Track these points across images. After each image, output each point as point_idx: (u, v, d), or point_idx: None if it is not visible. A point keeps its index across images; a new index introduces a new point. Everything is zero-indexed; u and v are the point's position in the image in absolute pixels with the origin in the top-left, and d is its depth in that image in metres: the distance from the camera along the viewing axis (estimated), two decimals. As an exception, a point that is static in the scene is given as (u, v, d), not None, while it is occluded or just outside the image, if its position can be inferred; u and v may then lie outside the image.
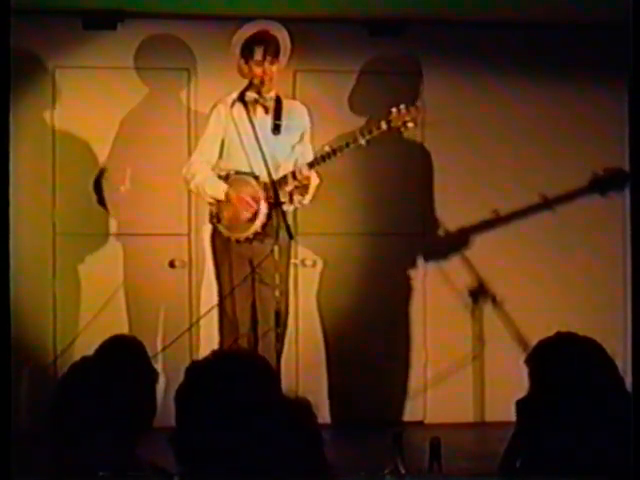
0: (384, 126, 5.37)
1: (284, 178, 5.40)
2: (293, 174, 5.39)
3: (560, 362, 2.74)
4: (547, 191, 6.55)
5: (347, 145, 5.37)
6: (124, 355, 2.88)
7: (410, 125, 5.41)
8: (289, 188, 5.41)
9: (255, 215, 5.39)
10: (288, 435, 2.08)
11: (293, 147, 5.57)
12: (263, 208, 5.37)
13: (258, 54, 5.41)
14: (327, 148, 5.41)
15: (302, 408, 2.14)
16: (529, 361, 2.81)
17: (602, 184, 6.53)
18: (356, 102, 6.45)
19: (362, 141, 5.36)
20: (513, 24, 6.47)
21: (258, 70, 5.42)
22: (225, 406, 2.12)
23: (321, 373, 6.40)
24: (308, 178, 5.39)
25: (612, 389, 2.71)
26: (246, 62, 5.46)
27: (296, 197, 5.46)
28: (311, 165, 5.41)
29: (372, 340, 6.36)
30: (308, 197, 5.50)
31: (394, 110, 5.38)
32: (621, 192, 6.45)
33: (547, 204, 6.53)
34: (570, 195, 6.55)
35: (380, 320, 6.41)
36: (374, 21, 6.40)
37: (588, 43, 6.54)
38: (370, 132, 5.37)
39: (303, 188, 5.42)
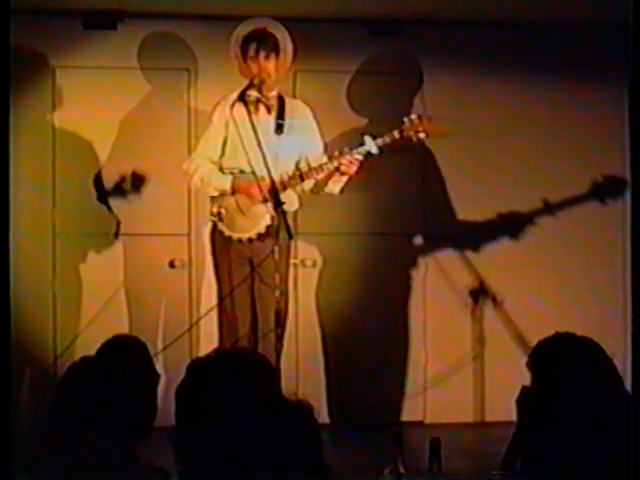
0: (397, 135, 5.40)
1: (307, 172, 5.43)
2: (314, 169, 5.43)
3: (558, 362, 2.74)
4: (548, 194, 6.55)
5: (358, 152, 5.38)
6: (126, 355, 2.88)
7: (422, 136, 5.43)
8: (309, 183, 5.49)
9: (260, 211, 5.39)
10: (287, 435, 2.08)
11: (297, 146, 5.56)
12: (268, 210, 5.37)
13: (251, 50, 5.44)
14: (337, 154, 5.42)
15: (302, 408, 2.14)
16: (529, 363, 2.81)
17: (601, 191, 6.55)
18: (356, 102, 6.45)
19: (374, 149, 5.37)
20: (513, 24, 6.46)
21: (254, 66, 5.43)
22: (226, 404, 2.12)
23: (321, 373, 6.39)
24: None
25: (611, 389, 2.71)
26: (244, 60, 5.48)
27: (328, 185, 5.51)
28: (317, 171, 5.43)
29: (372, 340, 6.36)
30: (340, 185, 5.51)
31: (406, 120, 5.41)
32: (619, 198, 6.47)
33: (548, 208, 6.54)
34: (570, 201, 6.56)
35: (380, 320, 6.41)
36: (374, 21, 6.40)
37: (588, 44, 6.54)
38: (383, 140, 5.38)
39: (337, 177, 5.45)
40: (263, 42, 5.43)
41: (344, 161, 5.38)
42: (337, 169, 5.43)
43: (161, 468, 2.59)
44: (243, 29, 5.50)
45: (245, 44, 5.47)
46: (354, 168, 5.41)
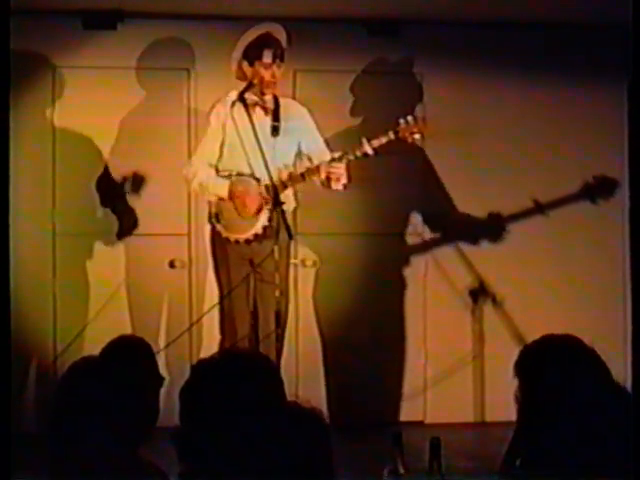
0: (392, 136, 5.38)
1: (308, 171, 5.42)
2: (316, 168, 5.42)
3: (546, 365, 2.73)
4: (546, 194, 6.56)
5: (354, 154, 5.37)
6: (130, 356, 2.87)
7: (417, 137, 5.43)
8: (317, 178, 5.46)
9: (258, 214, 5.39)
10: (291, 436, 2.08)
11: (294, 148, 5.56)
12: (265, 211, 5.37)
13: (267, 57, 5.38)
14: (335, 155, 5.42)
15: (314, 415, 2.14)
16: (517, 368, 2.79)
17: (592, 191, 6.57)
18: (355, 102, 6.46)
19: (369, 150, 5.37)
20: (513, 24, 6.47)
21: (266, 73, 5.40)
22: (229, 405, 2.12)
23: (320, 373, 6.39)
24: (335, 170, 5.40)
25: (603, 387, 2.71)
26: (251, 64, 5.44)
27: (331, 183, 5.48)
28: (311, 172, 5.42)
29: (372, 340, 6.36)
30: (342, 182, 5.49)
31: (402, 121, 5.39)
32: (609, 198, 6.50)
33: (545, 208, 6.55)
34: (568, 200, 6.56)
35: (380, 320, 6.41)
36: (373, 21, 6.40)
37: (587, 44, 6.55)
38: (378, 141, 5.37)
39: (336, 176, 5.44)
40: (276, 48, 5.40)
41: (329, 172, 5.37)
42: (328, 179, 5.43)
43: (161, 468, 2.59)
44: (252, 33, 5.43)
45: (253, 48, 5.42)
46: (342, 178, 5.41)
